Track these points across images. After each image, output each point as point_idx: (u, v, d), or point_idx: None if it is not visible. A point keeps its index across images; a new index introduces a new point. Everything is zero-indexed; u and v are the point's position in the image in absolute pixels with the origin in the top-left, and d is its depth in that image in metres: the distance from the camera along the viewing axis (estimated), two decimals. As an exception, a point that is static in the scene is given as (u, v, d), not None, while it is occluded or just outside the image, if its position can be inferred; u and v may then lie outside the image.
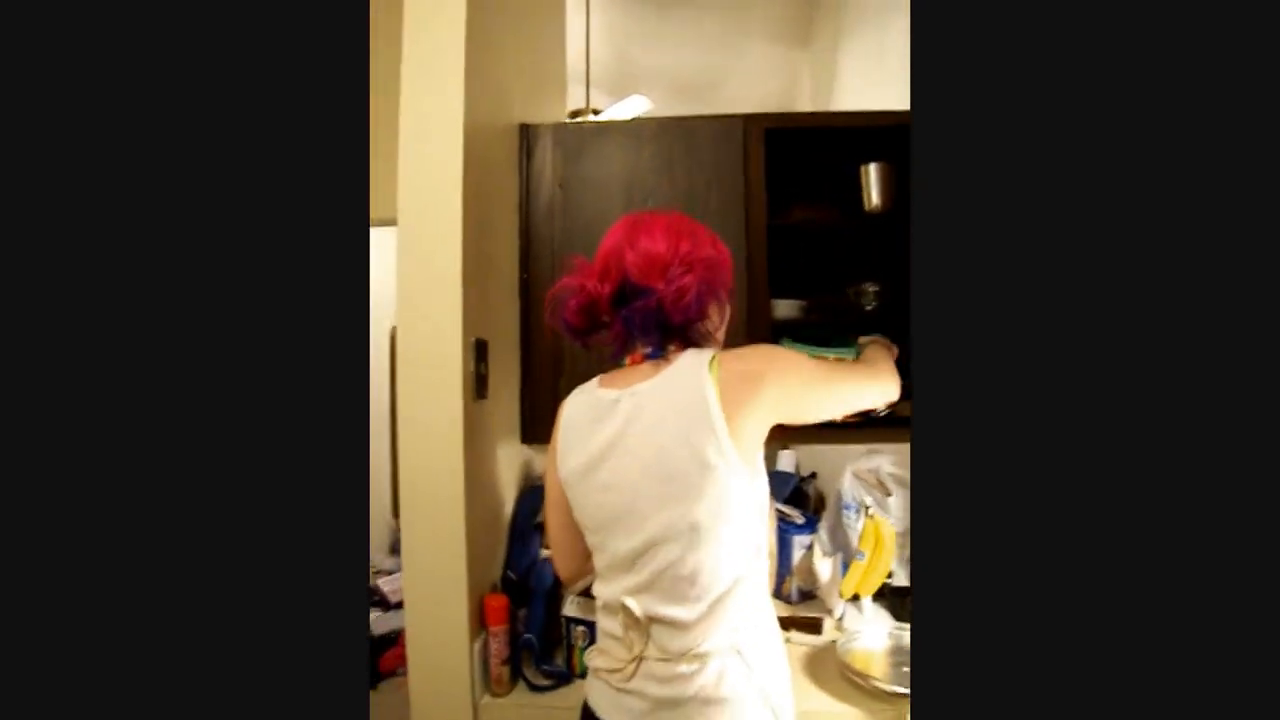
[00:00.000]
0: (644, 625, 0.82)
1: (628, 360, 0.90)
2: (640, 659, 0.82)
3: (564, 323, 0.91)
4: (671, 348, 0.88)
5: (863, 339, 1.17)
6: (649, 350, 0.88)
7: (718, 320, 0.93)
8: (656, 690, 0.81)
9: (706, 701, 0.79)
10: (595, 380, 0.93)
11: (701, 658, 0.80)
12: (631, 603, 0.83)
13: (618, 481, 0.84)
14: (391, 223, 1.35)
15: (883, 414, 1.28)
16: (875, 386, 0.96)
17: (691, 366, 0.83)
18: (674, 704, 0.80)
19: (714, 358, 0.83)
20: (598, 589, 0.90)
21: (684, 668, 0.80)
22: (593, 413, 0.89)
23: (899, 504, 1.41)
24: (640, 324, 0.85)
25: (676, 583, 0.81)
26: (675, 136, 1.35)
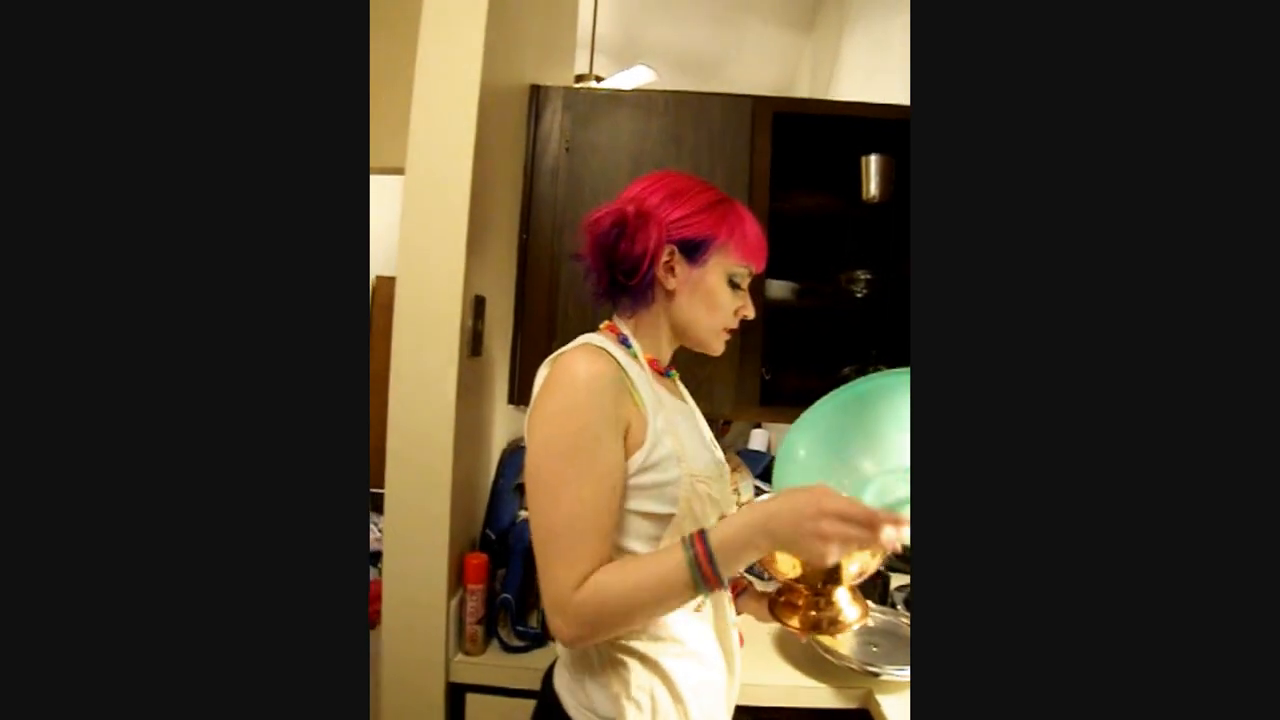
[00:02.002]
0: None
1: None
2: None
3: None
4: (607, 321, 0.87)
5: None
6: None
7: (661, 279, 0.83)
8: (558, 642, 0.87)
9: (561, 664, 0.86)
10: None
11: None
12: None
13: None
14: (389, 171, 1.33)
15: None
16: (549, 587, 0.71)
17: (557, 354, 0.80)
18: (558, 658, 0.88)
19: (564, 352, 0.78)
20: None
21: None
22: None
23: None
24: (585, 266, 0.87)
25: None
26: (686, 111, 1.34)
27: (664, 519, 0.77)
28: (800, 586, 0.83)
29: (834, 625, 0.83)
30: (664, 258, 0.82)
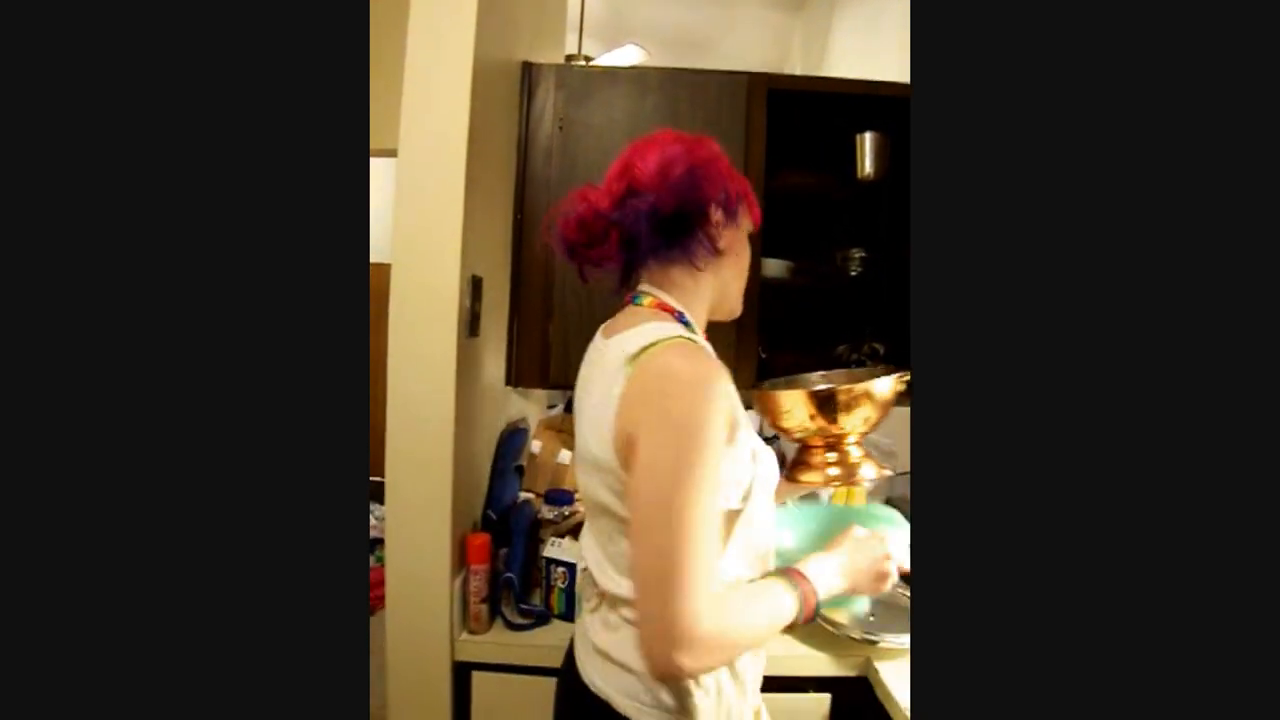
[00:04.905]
0: (589, 574, 0.83)
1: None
2: (600, 600, 0.81)
3: (559, 236, 0.81)
4: (648, 300, 0.80)
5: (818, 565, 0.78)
6: (632, 294, 0.82)
7: (718, 234, 0.79)
8: (595, 633, 0.80)
9: (605, 659, 0.77)
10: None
11: (621, 618, 0.77)
12: (581, 552, 0.86)
13: (576, 433, 0.83)
14: (379, 154, 1.32)
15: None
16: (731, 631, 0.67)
17: (627, 346, 0.72)
18: (594, 652, 0.79)
19: (646, 349, 0.70)
20: None
21: (611, 617, 0.78)
22: (587, 356, 0.86)
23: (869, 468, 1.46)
24: (632, 218, 0.75)
25: (602, 551, 0.79)
26: (680, 89, 1.33)
27: (734, 514, 0.74)
28: (816, 444, 0.89)
29: (852, 474, 0.88)
30: (715, 215, 0.78)
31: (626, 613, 0.76)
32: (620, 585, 0.76)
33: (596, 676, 0.79)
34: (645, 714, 0.74)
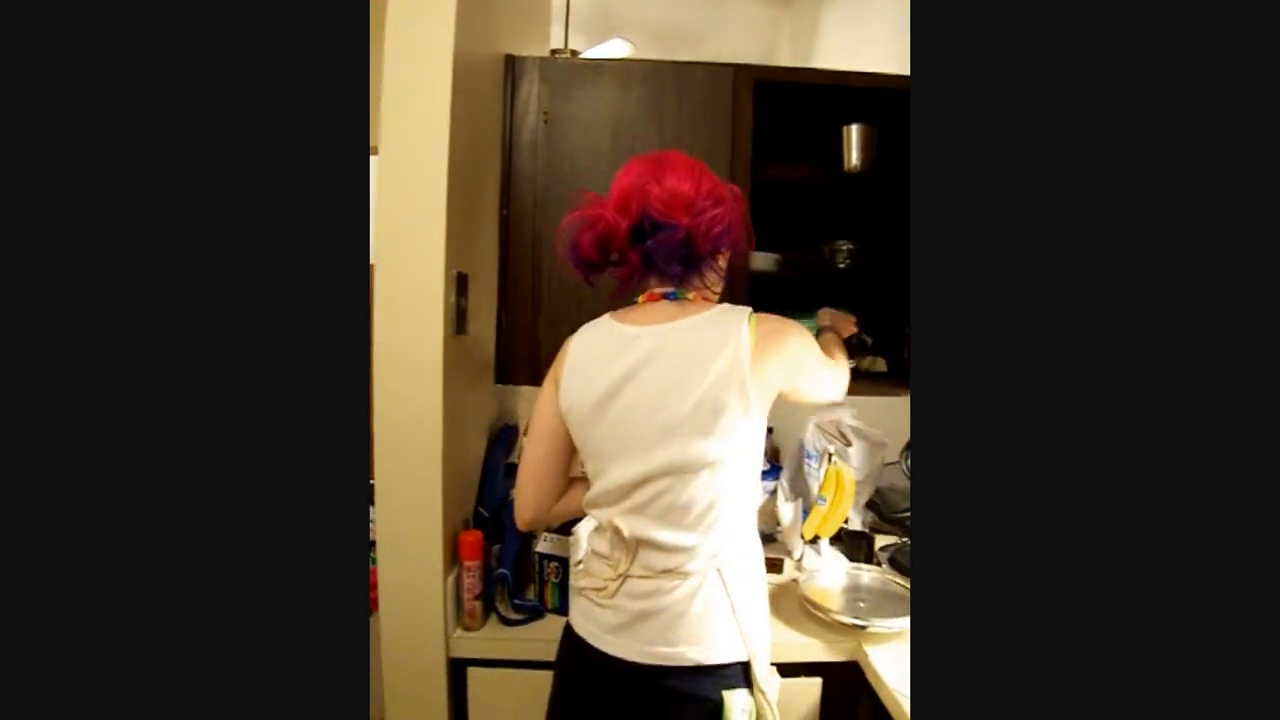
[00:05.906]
0: (631, 546, 0.87)
1: (641, 298, 0.93)
2: (624, 576, 0.87)
3: (576, 255, 0.91)
4: (691, 294, 0.92)
5: (820, 317, 1.29)
6: (667, 290, 0.91)
7: (723, 265, 0.95)
8: (633, 604, 0.86)
9: (679, 614, 0.85)
10: (607, 316, 0.95)
11: (683, 575, 0.85)
12: (622, 524, 0.87)
13: (630, 414, 0.87)
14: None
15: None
16: (839, 382, 1.05)
17: (731, 316, 0.88)
18: (647, 615, 0.86)
19: (753, 314, 0.88)
20: (591, 511, 0.94)
21: (664, 583, 0.85)
22: (610, 346, 0.90)
23: (858, 454, 1.47)
24: (664, 256, 0.88)
25: (670, 510, 0.85)
26: (666, 81, 1.33)
27: None
28: None
29: None
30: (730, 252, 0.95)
31: (694, 565, 0.85)
32: (707, 540, 0.86)
33: (658, 645, 0.85)
34: (724, 643, 0.85)
